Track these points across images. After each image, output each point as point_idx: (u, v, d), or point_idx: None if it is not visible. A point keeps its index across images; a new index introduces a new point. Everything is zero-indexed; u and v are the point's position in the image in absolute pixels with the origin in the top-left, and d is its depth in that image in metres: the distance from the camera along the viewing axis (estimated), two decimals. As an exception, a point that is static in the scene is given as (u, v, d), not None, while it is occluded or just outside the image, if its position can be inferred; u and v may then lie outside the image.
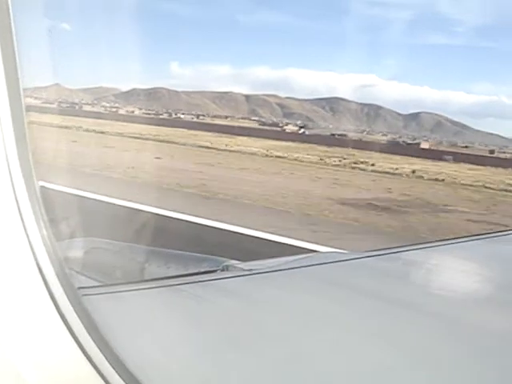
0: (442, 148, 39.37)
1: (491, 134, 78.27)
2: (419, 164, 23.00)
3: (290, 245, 6.71)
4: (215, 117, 60.01)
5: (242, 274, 1.49)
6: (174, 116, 50.92)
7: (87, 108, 48.77)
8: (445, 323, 1.28)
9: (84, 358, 0.78)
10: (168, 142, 24.24)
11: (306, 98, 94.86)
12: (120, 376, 0.81)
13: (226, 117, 63.37)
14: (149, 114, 52.03)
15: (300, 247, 6.58)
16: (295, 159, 21.89)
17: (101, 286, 1.44)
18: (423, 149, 34.34)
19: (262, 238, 7.06)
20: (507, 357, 1.14)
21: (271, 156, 22.34)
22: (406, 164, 22.32)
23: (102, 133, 26.09)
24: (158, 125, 33.77)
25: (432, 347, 1.15)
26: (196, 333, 1.12)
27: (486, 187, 17.80)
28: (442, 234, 9.35)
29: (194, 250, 1.80)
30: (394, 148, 30.89)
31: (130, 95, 69.56)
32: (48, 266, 0.78)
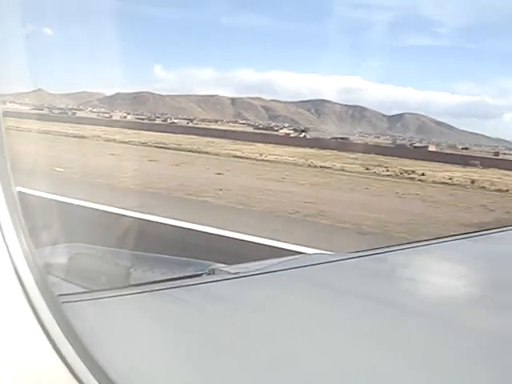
0: (446, 151, 38.96)
1: (476, 134, 79.06)
2: (457, 171, 21.69)
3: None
4: (203, 121, 59.06)
5: (228, 277, 1.50)
6: (169, 121, 49.67)
7: (80, 114, 47.20)
8: (433, 323, 1.29)
9: (64, 367, 0.77)
10: (196, 151, 23.21)
11: (291, 100, 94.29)
12: None
13: (216, 121, 62.43)
14: (142, 119, 50.86)
15: None
16: (341, 169, 20.27)
17: (84, 293, 1.41)
18: (432, 152, 33.25)
19: None
20: (497, 356, 1.14)
21: (314, 166, 20.94)
22: (448, 172, 20.89)
23: (124, 142, 24.72)
24: (162, 131, 32.81)
25: (420, 347, 1.15)
26: (182, 338, 1.11)
27: None
28: None
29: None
30: (409, 152, 30.05)
31: (114, 100, 67.96)
32: (27, 273, 0.78)
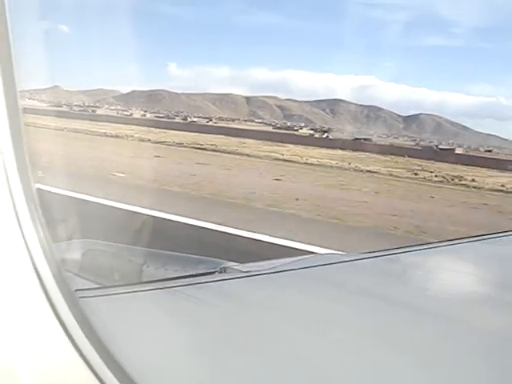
0: (471, 153, 37.75)
1: (491, 135, 78.48)
2: (501, 176, 20.58)
3: None
4: (220, 119, 58.56)
5: (239, 275, 1.48)
6: (188, 120, 49.15)
7: (100, 111, 46.83)
8: (444, 324, 1.28)
9: (81, 361, 0.78)
10: (236, 153, 22.05)
11: (306, 99, 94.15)
12: (117, 378, 0.80)
13: (233, 119, 62.00)
14: (161, 117, 50.38)
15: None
16: (390, 174, 19.06)
17: (98, 288, 1.41)
18: (461, 154, 31.98)
19: None
20: (504, 357, 1.14)
21: (360, 170, 19.56)
22: (493, 177, 19.89)
23: (159, 142, 23.97)
24: (189, 130, 32.23)
25: (431, 348, 1.14)
26: (194, 335, 1.11)
27: None
28: None
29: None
30: (439, 155, 28.92)
31: (130, 97, 67.98)
32: (45, 267, 0.78)
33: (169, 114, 56.64)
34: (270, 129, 49.39)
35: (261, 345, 1.11)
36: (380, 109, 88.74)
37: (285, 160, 20.98)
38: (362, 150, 27.51)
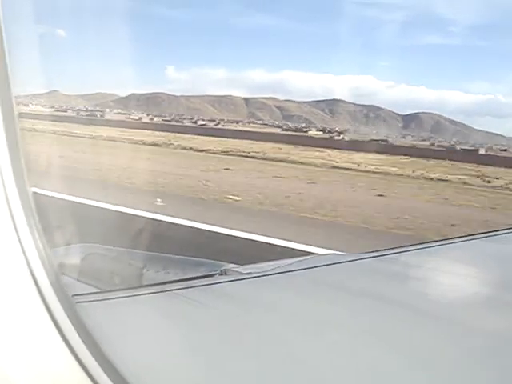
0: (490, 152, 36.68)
1: (491, 133, 78.63)
2: None
3: None
4: (228, 122, 58.05)
5: (240, 277, 1.48)
6: (198, 123, 48.55)
7: (107, 116, 46.28)
8: (444, 325, 1.27)
9: (78, 366, 0.77)
10: (289, 161, 20.60)
11: (304, 100, 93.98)
12: None
13: (237, 122, 61.59)
14: (168, 120, 49.84)
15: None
16: (463, 183, 17.34)
17: (98, 293, 1.40)
18: (487, 155, 30.53)
19: None
20: (503, 358, 1.13)
21: (431, 179, 17.95)
22: None
23: (204, 151, 23.02)
24: (206, 135, 31.38)
25: (431, 349, 1.14)
26: (195, 338, 1.10)
27: None
28: None
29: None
30: (467, 156, 28.00)
31: (128, 101, 67.57)
32: (42, 273, 0.77)
33: (175, 118, 55.99)
34: (279, 131, 48.80)
35: (262, 347, 1.11)
36: (379, 108, 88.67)
37: (344, 168, 19.55)
38: (401, 154, 26.50)
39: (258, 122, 71.43)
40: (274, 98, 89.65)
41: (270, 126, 61.75)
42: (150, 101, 75.47)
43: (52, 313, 0.77)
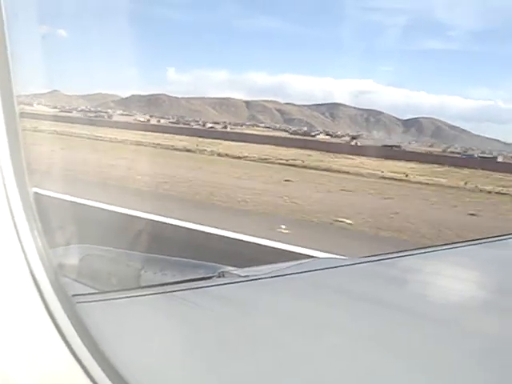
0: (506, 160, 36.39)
1: (491, 139, 78.95)
2: None
3: None
4: (235, 125, 57.30)
5: (237, 280, 1.48)
6: (207, 126, 47.75)
7: (115, 118, 45.28)
8: (442, 329, 1.27)
9: (78, 366, 0.77)
10: (332, 170, 19.83)
11: (305, 103, 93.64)
12: None
13: (241, 125, 60.85)
14: (176, 123, 49.02)
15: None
16: None
17: (96, 293, 1.42)
18: (506, 163, 31.45)
19: None
20: (501, 361, 1.13)
21: (488, 192, 17.15)
22: None
23: (241, 158, 22.10)
24: (225, 139, 30.75)
25: (430, 353, 1.14)
26: (192, 340, 1.10)
27: None
28: None
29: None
30: (487, 164, 28.10)
31: (129, 102, 66.62)
32: (42, 273, 0.78)
33: (180, 120, 55.05)
34: (286, 135, 48.20)
35: (259, 350, 1.10)
36: (380, 112, 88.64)
37: (394, 179, 18.80)
38: (429, 162, 26.08)
39: (261, 124, 70.90)
40: (274, 101, 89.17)
41: (274, 129, 61.17)
42: (151, 102, 74.54)
43: (51, 312, 0.77)
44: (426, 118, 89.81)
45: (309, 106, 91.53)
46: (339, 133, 60.79)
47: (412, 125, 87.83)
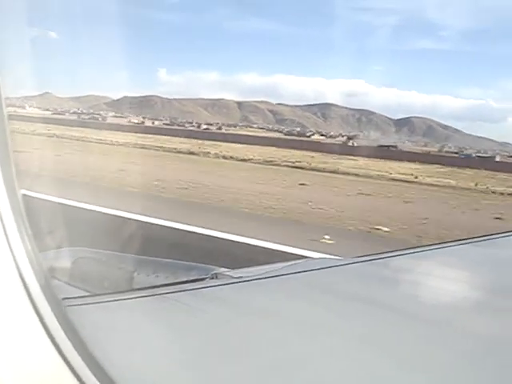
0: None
1: (483, 138, 79.44)
2: None
3: None
4: (229, 126, 56.97)
5: (231, 281, 1.48)
6: (202, 128, 47.37)
7: (109, 120, 44.75)
8: (436, 329, 1.27)
9: (67, 369, 0.76)
10: (343, 173, 19.39)
11: (297, 104, 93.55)
12: None
13: (235, 126, 60.53)
14: (171, 124, 48.61)
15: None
16: None
17: (88, 296, 1.39)
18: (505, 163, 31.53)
19: None
20: (500, 362, 1.13)
21: (501, 193, 16.82)
22: None
23: (244, 160, 21.72)
24: (219, 140, 30.62)
25: (423, 352, 1.14)
26: (185, 342, 1.10)
27: None
28: None
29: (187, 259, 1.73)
30: (487, 164, 28.15)
31: (121, 104, 66.00)
32: (31, 276, 0.77)
33: (174, 121, 54.57)
34: (281, 135, 47.95)
35: (252, 351, 1.10)
36: (371, 112, 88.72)
37: (405, 181, 18.41)
38: (431, 163, 25.83)
39: (254, 125, 70.66)
40: (266, 102, 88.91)
41: (268, 130, 60.97)
42: (143, 104, 73.95)
43: (41, 315, 0.76)
44: (418, 117, 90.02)
45: (301, 107, 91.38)
46: (332, 133, 60.68)
47: (404, 124, 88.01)
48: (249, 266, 1.69)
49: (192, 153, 23.63)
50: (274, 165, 21.42)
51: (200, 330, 1.18)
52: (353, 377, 1.03)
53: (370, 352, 1.13)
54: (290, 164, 21.73)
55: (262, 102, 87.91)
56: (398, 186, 17.04)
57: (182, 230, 7.30)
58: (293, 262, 1.70)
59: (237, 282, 1.47)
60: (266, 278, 1.51)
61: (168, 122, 53.21)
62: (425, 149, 46.00)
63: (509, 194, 17.36)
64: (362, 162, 24.25)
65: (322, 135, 53.04)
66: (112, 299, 1.29)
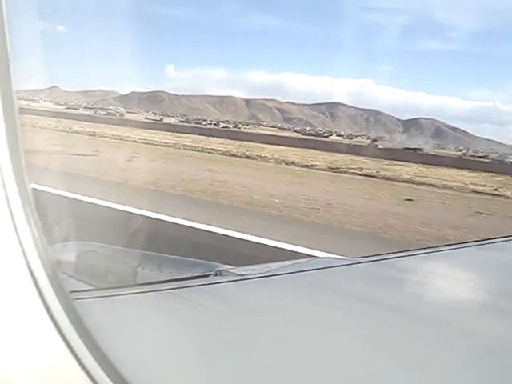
0: None
1: (493, 141, 78.83)
2: None
3: None
4: (243, 124, 56.68)
5: (235, 278, 1.47)
6: (221, 125, 46.73)
7: (128, 116, 44.32)
8: (439, 329, 1.27)
9: (75, 363, 0.77)
10: (400, 180, 18.27)
11: (305, 102, 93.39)
12: (111, 380, 0.80)
13: (247, 124, 60.48)
14: (188, 122, 48.09)
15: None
16: None
17: (93, 290, 1.40)
18: None
19: None
20: (498, 363, 1.13)
21: None
22: None
23: (293, 164, 20.23)
24: (254, 141, 29.28)
25: (426, 353, 1.14)
26: (189, 337, 1.10)
27: None
28: None
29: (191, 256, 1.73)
30: None
31: (129, 99, 66.18)
32: (40, 269, 0.77)
33: (191, 119, 54.00)
34: (299, 135, 47.09)
35: (255, 348, 1.10)
36: (379, 112, 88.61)
37: (485, 193, 16.93)
38: (478, 170, 24.47)
39: (264, 123, 70.79)
40: (274, 100, 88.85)
41: (280, 128, 60.63)
42: (151, 99, 74.04)
43: (49, 308, 0.76)
44: (427, 118, 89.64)
45: (309, 106, 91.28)
46: (350, 133, 59.93)
47: (412, 125, 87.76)
48: (253, 264, 1.67)
49: (248, 157, 21.98)
50: (341, 172, 19.81)
51: (203, 325, 1.18)
52: (356, 377, 1.03)
53: (373, 352, 1.13)
54: (357, 171, 20.08)
55: (269, 99, 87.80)
56: (489, 200, 15.53)
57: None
58: (297, 261, 1.69)
59: (241, 280, 1.46)
60: (269, 276, 1.50)
61: (183, 119, 52.67)
62: (449, 152, 44.48)
63: None
64: (416, 168, 23.12)
65: (338, 135, 52.19)
66: (116, 293, 1.29)
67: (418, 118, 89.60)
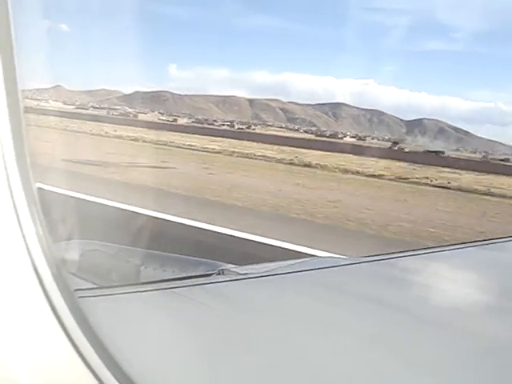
0: None
1: (494, 141, 78.66)
2: None
3: None
4: (254, 125, 56.44)
5: (237, 277, 1.48)
6: (236, 127, 46.41)
7: (141, 117, 44.00)
8: (442, 329, 1.27)
9: (80, 360, 0.78)
10: (447, 187, 17.05)
11: (308, 102, 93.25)
12: (115, 378, 0.81)
13: (255, 124, 60.28)
14: (201, 122, 47.57)
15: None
16: None
17: (96, 288, 1.42)
18: None
19: None
20: (501, 363, 1.13)
21: None
22: None
23: (366, 175, 18.24)
24: (274, 143, 28.18)
25: (429, 353, 1.14)
26: (191, 336, 1.11)
27: None
28: None
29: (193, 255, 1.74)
30: None
31: (133, 98, 66.13)
32: (44, 267, 0.78)
33: (200, 119, 53.64)
34: (312, 136, 46.37)
35: (258, 347, 1.10)
36: (382, 113, 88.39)
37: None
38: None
39: (269, 123, 70.68)
40: (277, 100, 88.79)
41: (288, 129, 60.38)
42: (154, 99, 74.08)
43: (54, 306, 0.77)
44: (429, 119, 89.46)
45: (312, 106, 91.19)
46: (362, 135, 59.35)
47: (415, 126, 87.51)
48: (255, 263, 1.68)
49: (307, 165, 20.07)
50: (411, 183, 17.92)
51: (205, 324, 1.19)
52: (359, 376, 1.03)
53: (376, 352, 1.13)
54: (427, 182, 18.40)
55: (273, 99, 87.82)
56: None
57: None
58: (300, 260, 1.70)
59: (243, 279, 1.48)
60: (272, 275, 1.51)
61: (193, 119, 52.28)
62: (469, 155, 43.20)
63: None
64: (469, 176, 21.50)
65: (352, 137, 51.50)
66: (119, 292, 1.30)
67: (422, 119, 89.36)
